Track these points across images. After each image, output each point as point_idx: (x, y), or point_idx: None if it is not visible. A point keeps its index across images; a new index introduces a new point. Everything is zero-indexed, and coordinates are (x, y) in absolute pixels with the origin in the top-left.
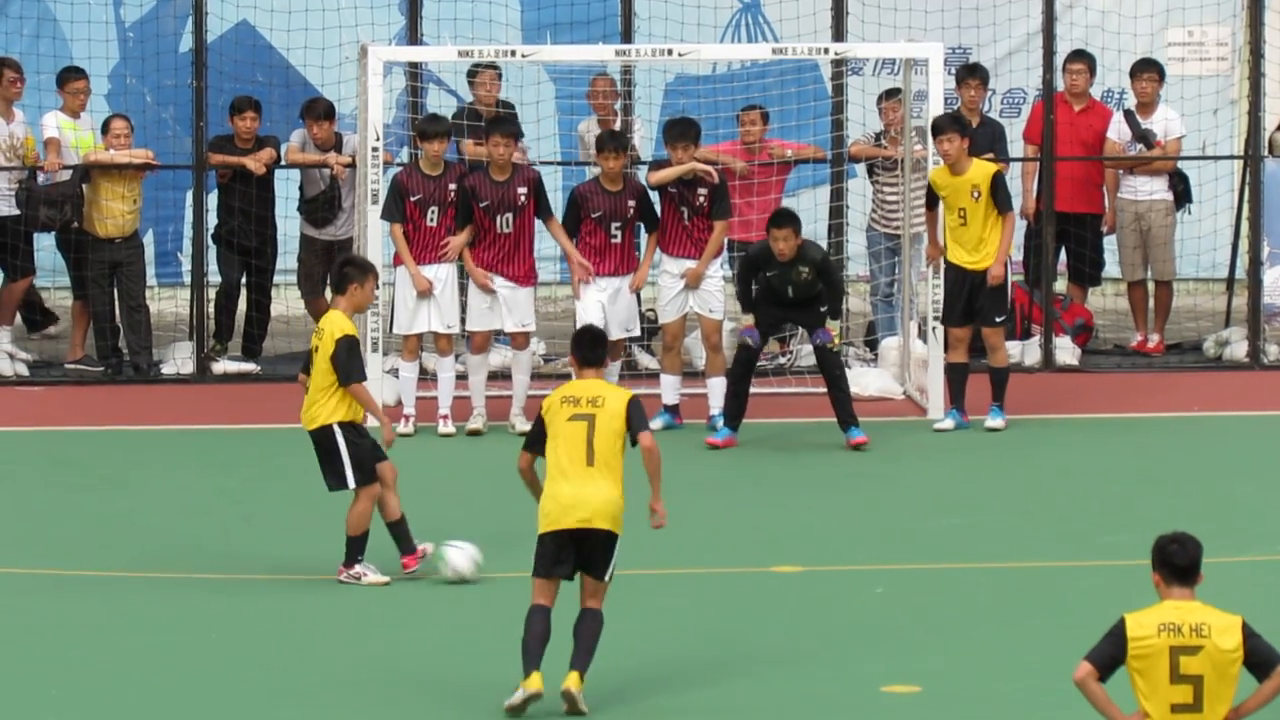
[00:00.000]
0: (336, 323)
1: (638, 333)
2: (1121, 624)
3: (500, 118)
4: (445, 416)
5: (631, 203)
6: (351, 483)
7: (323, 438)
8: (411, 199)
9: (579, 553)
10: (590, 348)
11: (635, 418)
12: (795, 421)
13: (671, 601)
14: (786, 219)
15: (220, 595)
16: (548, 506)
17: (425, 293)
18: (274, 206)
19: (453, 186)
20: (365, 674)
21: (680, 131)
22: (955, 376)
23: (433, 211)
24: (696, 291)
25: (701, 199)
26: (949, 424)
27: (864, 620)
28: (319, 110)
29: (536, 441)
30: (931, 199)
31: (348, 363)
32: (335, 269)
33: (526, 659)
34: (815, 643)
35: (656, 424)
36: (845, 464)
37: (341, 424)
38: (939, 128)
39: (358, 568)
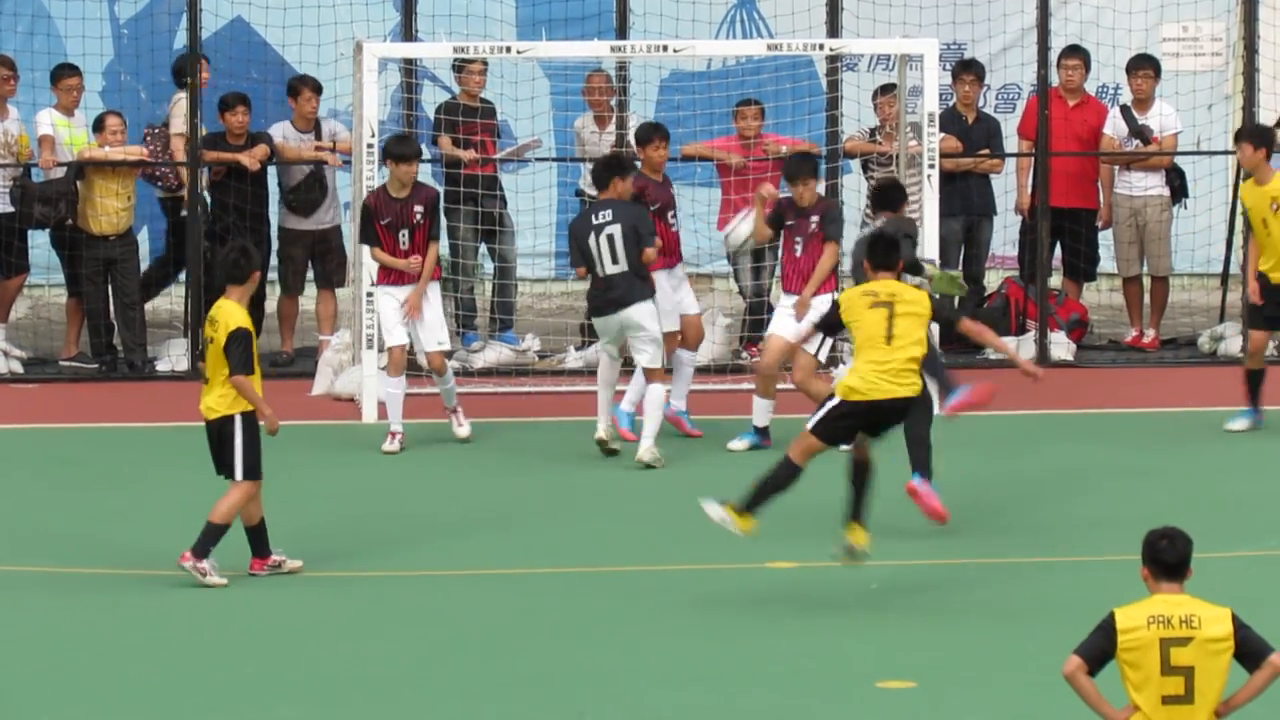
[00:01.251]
0: (232, 314)
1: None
2: (1111, 618)
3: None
4: (455, 410)
5: (673, 191)
6: (239, 475)
7: (222, 428)
8: (381, 222)
9: (873, 420)
10: (883, 253)
11: (942, 306)
12: (789, 418)
13: (667, 598)
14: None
15: (215, 592)
16: (851, 380)
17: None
18: (268, 203)
19: (419, 209)
20: (362, 671)
21: (802, 166)
22: (1254, 381)
23: (403, 234)
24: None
25: (814, 225)
26: (1244, 424)
27: (859, 616)
28: (312, 84)
29: (830, 328)
30: (1247, 221)
31: (237, 355)
32: (231, 256)
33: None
34: (810, 638)
35: (742, 443)
36: (838, 460)
37: (243, 415)
38: (1236, 135)
39: (204, 563)
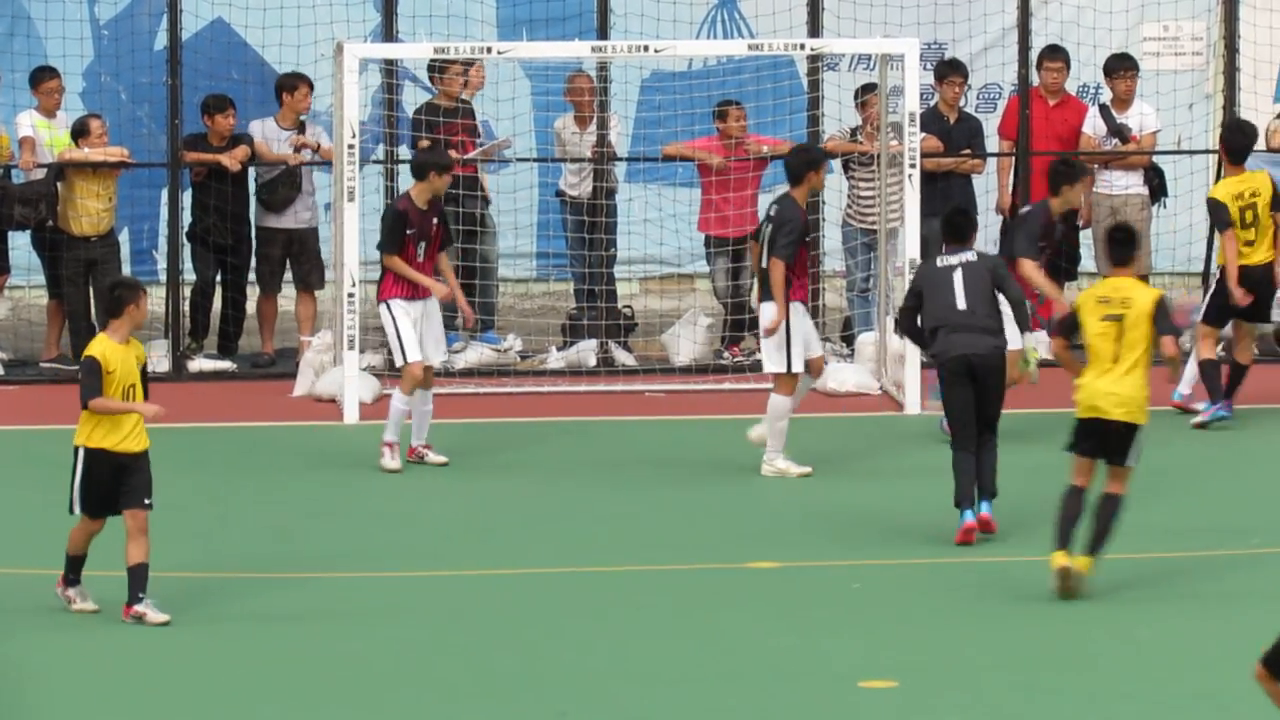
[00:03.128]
0: (92, 344)
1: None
2: None
3: None
4: (429, 446)
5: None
6: (76, 509)
7: (73, 456)
8: (408, 232)
9: (1102, 439)
10: (1121, 247)
11: (1160, 318)
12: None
13: (649, 599)
14: None
15: (195, 592)
16: (1079, 395)
17: (447, 297)
18: (249, 204)
19: (435, 219)
20: (342, 671)
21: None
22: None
23: (423, 245)
24: None
25: None
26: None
27: (841, 616)
28: (308, 81)
29: (1070, 329)
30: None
31: (82, 384)
32: (106, 293)
33: (1057, 536)
34: (792, 639)
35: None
36: (821, 459)
37: (88, 450)
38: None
39: (71, 591)
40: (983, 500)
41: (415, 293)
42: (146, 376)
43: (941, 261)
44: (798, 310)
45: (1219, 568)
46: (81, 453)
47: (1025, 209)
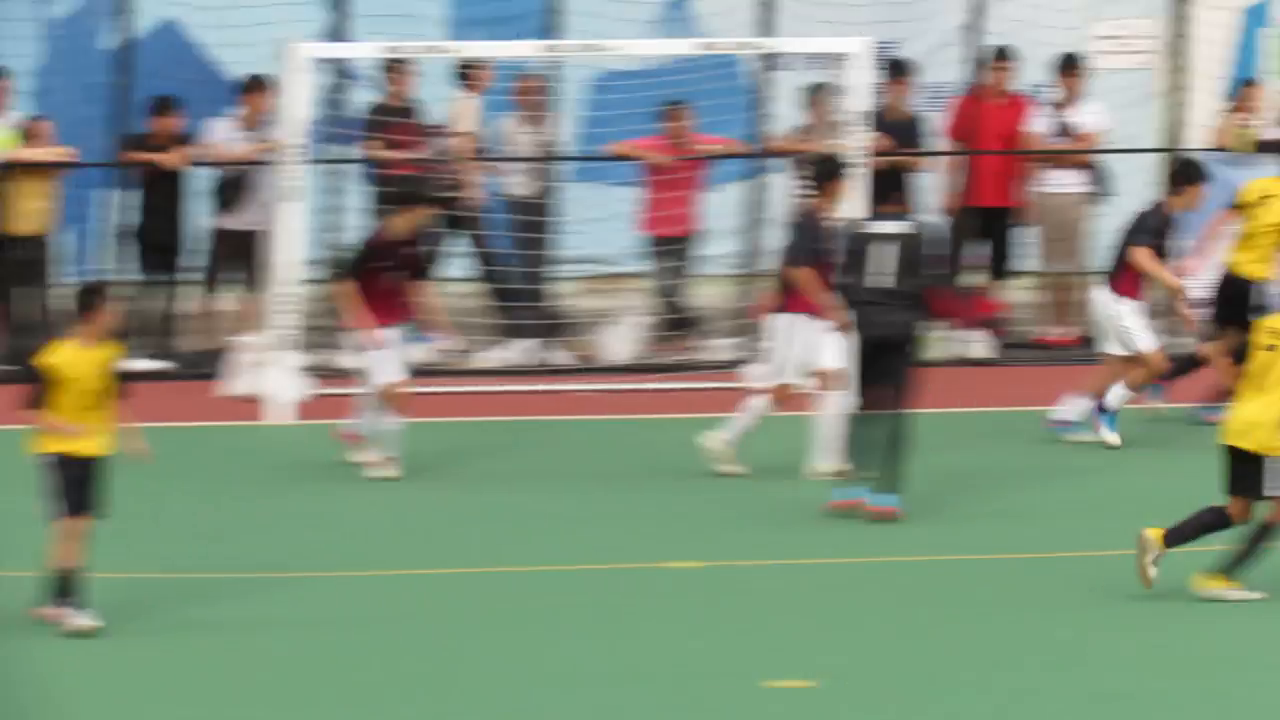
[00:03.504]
0: (50, 350)
1: None
2: None
3: None
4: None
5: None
6: (53, 515)
7: (37, 467)
8: (383, 264)
9: (1238, 470)
10: None
11: None
12: (703, 417)
13: (569, 599)
14: None
15: (162, 594)
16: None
17: (380, 346)
18: (187, 204)
19: (414, 248)
20: (265, 674)
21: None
22: None
23: (399, 273)
24: None
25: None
26: None
27: (761, 616)
28: (269, 84)
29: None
30: None
31: (30, 389)
32: (76, 298)
33: (1173, 525)
34: (710, 639)
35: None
36: (749, 459)
37: (47, 456)
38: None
39: (65, 608)
40: (890, 493)
41: (385, 318)
42: (125, 377)
43: (875, 228)
44: (795, 322)
45: (1169, 565)
46: (43, 460)
47: (1144, 207)
